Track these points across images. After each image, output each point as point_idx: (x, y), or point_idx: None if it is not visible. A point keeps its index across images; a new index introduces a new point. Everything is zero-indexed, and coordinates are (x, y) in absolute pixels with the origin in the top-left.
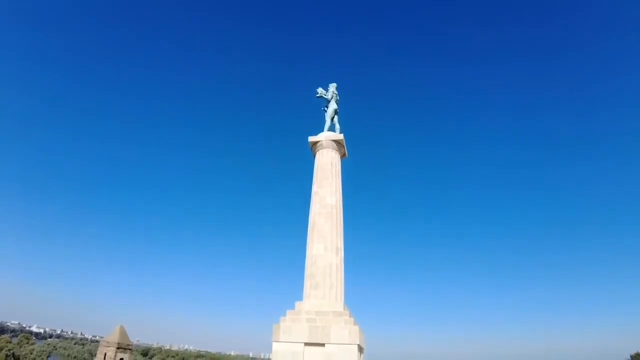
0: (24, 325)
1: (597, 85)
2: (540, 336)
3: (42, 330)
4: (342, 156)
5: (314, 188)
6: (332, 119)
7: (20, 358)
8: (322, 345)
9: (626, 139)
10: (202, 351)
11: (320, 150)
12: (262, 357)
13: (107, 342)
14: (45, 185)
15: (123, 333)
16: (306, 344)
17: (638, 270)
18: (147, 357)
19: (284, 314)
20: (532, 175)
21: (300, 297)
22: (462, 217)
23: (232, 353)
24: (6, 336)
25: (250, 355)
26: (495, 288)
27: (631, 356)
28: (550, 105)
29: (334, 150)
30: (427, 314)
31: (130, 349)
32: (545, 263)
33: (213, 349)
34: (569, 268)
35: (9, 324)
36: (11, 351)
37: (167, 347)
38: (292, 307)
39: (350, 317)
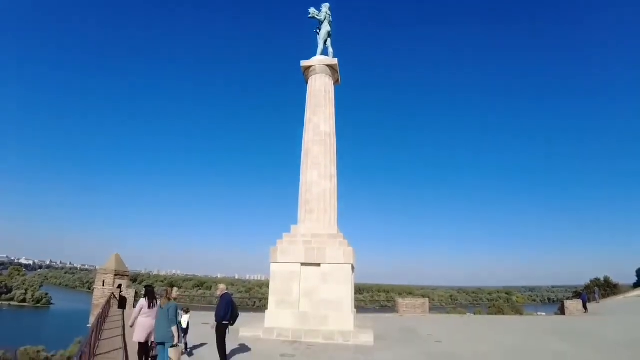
0: (12, 258)
1: None
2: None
3: (31, 262)
4: (336, 82)
5: (307, 115)
6: (325, 42)
7: (13, 289)
8: (318, 265)
9: None
10: (190, 275)
11: (313, 76)
12: (247, 278)
13: (105, 270)
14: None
15: (119, 261)
16: (303, 264)
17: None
18: (137, 282)
19: (281, 237)
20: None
21: (293, 223)
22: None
23: (219, 276)
24: None
25: (236, 277)
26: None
27: (591, 280)
28: None
29: (328, 76)
30: (414, 236)
31: (127, 275)
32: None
33: (200, 273)
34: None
35: None
36: (3, 283)
37: (156, 272)
38: (288, 230)
39: (344, 239)
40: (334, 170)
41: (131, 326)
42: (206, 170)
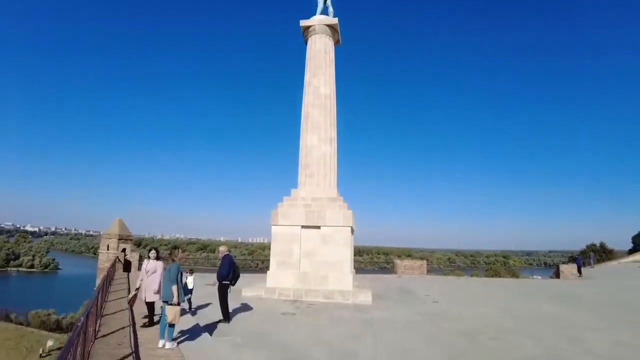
0: (18, 226)
1: None
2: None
3: (36, 229)
4: (336, 43)
5: (307, 77)
6: (325, 1)
7: (21, 255)
8: (318, 227)
9: None
10: (193, 239)
11: (312, 37)
12: (249, 240)
13: (109, 235)
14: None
15: (122, 225)
16: (303, 226)
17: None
18: (141, 247)
19: (282, 201)
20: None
21: (294, 187)
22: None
23: (222, 239)
24: (2, 237)
25: (239, 240)
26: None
27: (587, 246)
28: None
29: (328, 37)
30: (411, 202)
31: (131, 240)
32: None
33: (203, 237)
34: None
35: (2, 225)
36: (11, 250)
37: (159, 236)
38: (289, 194)
39: (343, 202)
40: (334, 133)
41: (136, 289)
42: (208, 135)
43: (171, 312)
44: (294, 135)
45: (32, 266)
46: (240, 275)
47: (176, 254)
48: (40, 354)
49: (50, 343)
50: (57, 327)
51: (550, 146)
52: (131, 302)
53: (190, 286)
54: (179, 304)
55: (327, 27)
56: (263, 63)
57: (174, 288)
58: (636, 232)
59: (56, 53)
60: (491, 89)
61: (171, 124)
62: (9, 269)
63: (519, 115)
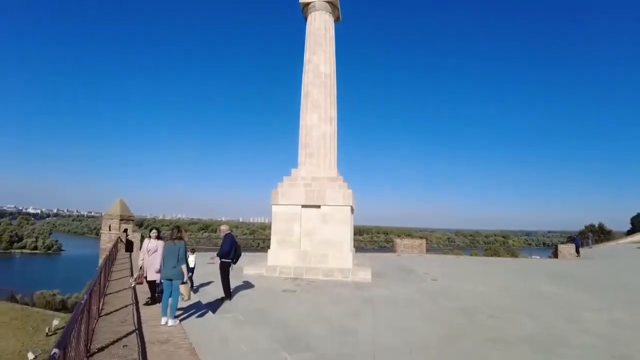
0: (20, 208)
1: None
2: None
3: (38, 211)
4: (336, 20)
5: (307, 55)
6: None
7: (24, 237)
8: (318, 207)
9: None
10: (195, 219)
11: (312, 13)
12: (250, 220)
13: (110, 215)
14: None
15: (124, 205)
16: (303, 206)
17: None
18: (142, 227)
19: (282, 181)
20: None
21: (294, 167)
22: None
23: (223, 219)
24: (5, 219)
25: (240, 220)
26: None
27: (585, 226)
28: None
29: (328, 13)
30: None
31: (132, 220)
32: None
33: (205, 217)
34: None
35: (5, 208)
36: (14, 232)
37: (161, 217)
38: (289, 174)
39: (343, 182)
40: (334, 113)
41: (140, 267)
42: (208, 116)
43: (186, 290)
44: (294, 114)
45: (35, 248)
46: (242, 254)
47: (182, 233)
48: (47, 333)
49: (56, 322)
50: (63, 307)
51: (552, 127)
52: (138, 282)
53: (191, 265)
54: (185, 283)
55: (326, 4)
56: (262, 41)
57: (183, 267)
58: (635, 214)
59: (56, 37)
60: (491, 70)
61: (172, 104)
62: (12, 250)
63: (522, 97)
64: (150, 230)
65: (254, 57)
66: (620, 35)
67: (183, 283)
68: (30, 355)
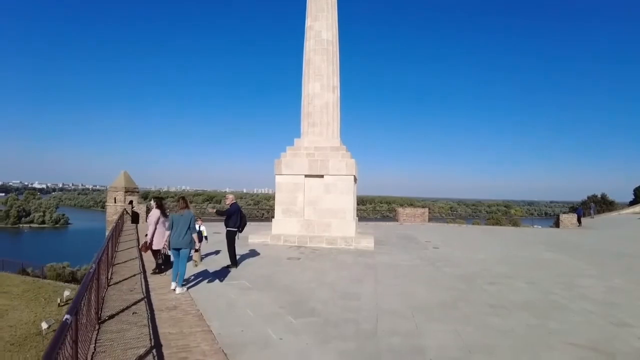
0: (25, 183)
1: None
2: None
3: (44, 186)
4: None
5: (308, 22)
6: None
7: (31, 212)
8: (321, 176)
9: None
10: (199, 190)
11: None
12: (254, 191)
13: (115, 188)
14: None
15: (128, 178)
16: (306, 175)
17: None
18: (147, 199)
19: (284, 151)
20: None
21: (296, 136)
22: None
23: (227, 190)
24: (12, 195)
25: (244, 191)
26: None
27: (588, 197)
28: None
29: None
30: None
31: (137, 192)
32: None
33: (209, 188)
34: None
35: (11, 183)
36: (21, 207)
37: (166, 189)
38: (292, 144)
39: (346, 151)
40: (336, 81)
41: (150, 239)
42: (211, 87)
43: (197, 257)
44: (296, 83)
45: (43, 222)
46: (247, 223)
47: (188, 203)
48: (59, 303)
49: (67, 293)
50: (73, 279)
51: (555, 97)
52: (143, 249)
53: (205, 233)
54: (197, 250)
55: None
56: (263, 9)
57: (195, 236)
58: (638, 185)
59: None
60: (493, 38)
61: (174, 76)
62: (21, 225)
63: (525, 64)
64: (151, 200)
65: (254, 24)
66: None
67: (196, 250)
68: (44, 325)
